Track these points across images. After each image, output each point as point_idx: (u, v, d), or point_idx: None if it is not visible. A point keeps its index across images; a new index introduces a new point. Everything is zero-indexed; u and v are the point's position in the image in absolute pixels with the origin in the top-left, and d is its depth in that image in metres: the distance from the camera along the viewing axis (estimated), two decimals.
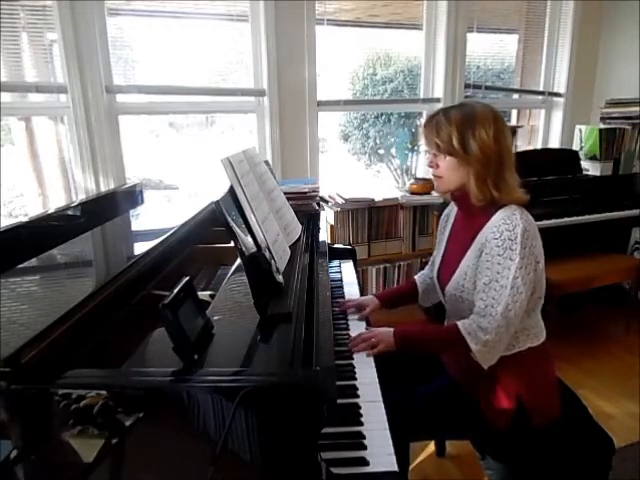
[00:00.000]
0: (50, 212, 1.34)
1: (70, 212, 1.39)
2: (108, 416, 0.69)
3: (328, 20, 2.51)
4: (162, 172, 2.91)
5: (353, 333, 1.29)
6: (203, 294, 1.10)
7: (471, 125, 1.14)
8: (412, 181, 2.62)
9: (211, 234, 1.44)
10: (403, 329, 1.24)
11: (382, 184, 4.11)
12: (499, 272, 1.10)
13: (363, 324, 1.39)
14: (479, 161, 1.14)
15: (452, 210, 1.38)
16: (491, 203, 1.16)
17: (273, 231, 1.26)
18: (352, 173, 4.24)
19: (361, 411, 0.98)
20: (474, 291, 1.17)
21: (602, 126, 2.89)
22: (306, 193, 2.07)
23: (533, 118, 3.39)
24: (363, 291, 1.68)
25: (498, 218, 1.13)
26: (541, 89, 3.22)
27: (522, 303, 1.11)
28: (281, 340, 0.90)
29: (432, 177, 1.26)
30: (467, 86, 2.93)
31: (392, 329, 1.23)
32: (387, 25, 2.82)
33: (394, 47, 3.56)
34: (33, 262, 1.08)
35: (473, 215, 1.21)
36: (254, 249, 1.02)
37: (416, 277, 1.56)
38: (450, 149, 1.15)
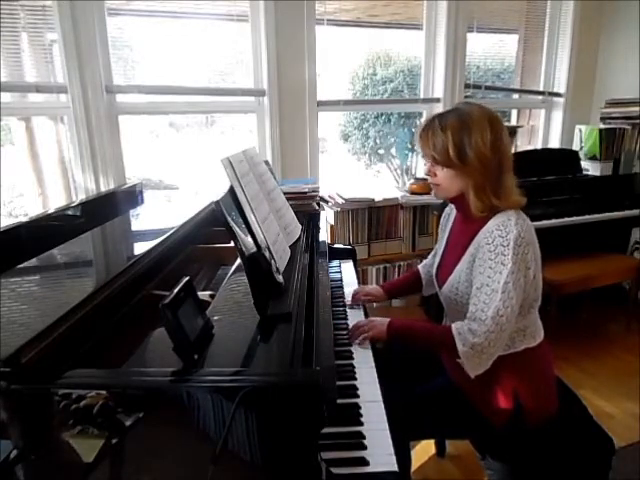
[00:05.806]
0: (50, 212, 1.34)
1: (70, 212, 1.39)
2: (108, 416, 0.69)
3: (328, 20, 2.51)
4: (162, 172, 2.91)
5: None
6: (203, 294, 1.10)
7: (467, 132, 1.12)
8: (412, 181, 2.62)
9: (211, 234, 1.44)
10: (398, 320, 1.26)
11: (382, 184, 4.11)
12: (490, 276, 1.10)
13: (361, 314, 1.43)
14: (478, 171, 1.12)
15: (453, 209, 1.38)
16: (490, 210, 1.15)
17: (273, 231, 1.26)
18: (352, 173, 4.23)
19: (361, 411, 0.98)
20: (467, 295, 1.17)
21: (602, 126, 2.89)
22: (306, 193, 2.07)
23: (533, 118, 3.39)
24: None
25: (492, 225, 1.13)
26: (541, 89, 3.22)
27: (514, 308, 1.09)
28: (281, 340, 0.89)
29: (430, 184, 1.25)
30: (467, 86, 2.92)
31: (388, 319, 1.26)
32: (387, 25, 2.82)
33: (394, 47, 3.56)
34: (33, 262, 1.08)
35: (470, 219, 1.20)
36: (254, 249, 1.02)
37: (420, 267, 1.57)
38: (447, 161, 1.14)
